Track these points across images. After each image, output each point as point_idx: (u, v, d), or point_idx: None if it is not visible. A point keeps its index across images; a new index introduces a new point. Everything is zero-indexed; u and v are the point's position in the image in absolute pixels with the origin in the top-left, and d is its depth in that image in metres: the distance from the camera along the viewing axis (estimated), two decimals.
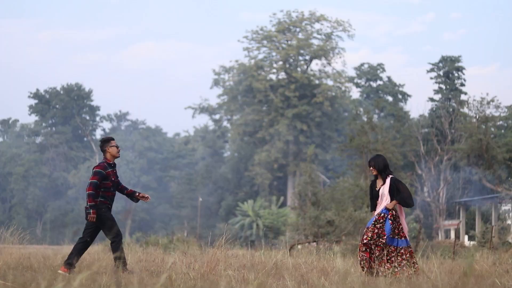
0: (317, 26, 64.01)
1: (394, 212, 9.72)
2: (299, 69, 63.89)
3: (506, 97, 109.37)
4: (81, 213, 67.68)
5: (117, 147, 10.11)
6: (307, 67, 64.46)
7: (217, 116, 72.84)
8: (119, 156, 10.19)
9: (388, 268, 9.48)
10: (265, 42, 63.64)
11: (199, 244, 18.20)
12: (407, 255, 9.59)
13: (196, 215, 60.71)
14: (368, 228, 9.74)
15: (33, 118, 75.81)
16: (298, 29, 63.98)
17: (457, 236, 32.00)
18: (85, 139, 72.89)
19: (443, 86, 54.56)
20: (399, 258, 9.60)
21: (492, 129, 40.90)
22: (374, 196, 9.94)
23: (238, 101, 65.26)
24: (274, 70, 63.47)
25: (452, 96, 53.27)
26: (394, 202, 9.70)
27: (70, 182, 69.20)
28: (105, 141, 10.14)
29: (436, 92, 54.60)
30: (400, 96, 65.32)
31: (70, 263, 9.59)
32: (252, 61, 63.28)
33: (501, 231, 29.59)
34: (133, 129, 77.68)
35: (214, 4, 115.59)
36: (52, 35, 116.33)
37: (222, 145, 73.14)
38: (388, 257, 9.57)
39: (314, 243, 22.46)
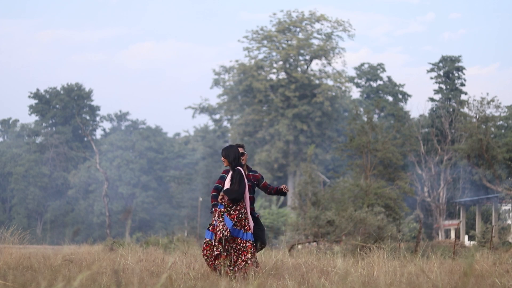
0: (317, 26, 64.06)
1: (229, 203, 9.62)
2: (299, 69, 63.89)
3: (506, 97, 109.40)
4: (81, 212, 67.74)
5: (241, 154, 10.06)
6: (307, 67, 64.46)
7: (217, 116, 72.89)
8: (243, 163, 10.08)
9: (239, 264, 9.41)
10: (265, 42, 63.64)
11: (199, 244, 18.21)
12: (253, 250, 9.55)
13: (196, 215, 60.70)
14: (213, 225, 9.63)
15: (33, 118, 75.85)
16: (298, 29, 63.97)
17: (457, 236, 32.01)
18: (85, 139, 72.85)
19: (443, 86, 54.58)
20: (245, 252, 9.53)
21: (492, 129, 40.90)
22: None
23: (238, 101, 65.24)
24: (274, 70, 63.47)
25: (452, 96, 53.29)
26: (221, 194, 9.67)
27: (70, 182, 69.18)
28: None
29: (436, 92, 54.63)
30: (400, 96, 65.31)
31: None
32: (252, 61, 63.28)
33: (501, 231, 29.62)
34: (133, 129, 77.65)
35: (214, 4, 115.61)
36: (52, 35, 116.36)
37: (222, 145, 73.12)
38: (239, 252, 9.49)
39: (314, 243, 22.45)
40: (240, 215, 9.57)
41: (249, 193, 10.13)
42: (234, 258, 9.41)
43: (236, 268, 9.36)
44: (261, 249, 10.08)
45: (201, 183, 66.94)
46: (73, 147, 72.29)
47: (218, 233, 9.42)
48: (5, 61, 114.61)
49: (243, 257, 9.42)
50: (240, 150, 10.23)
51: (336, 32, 63.91)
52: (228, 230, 9.42)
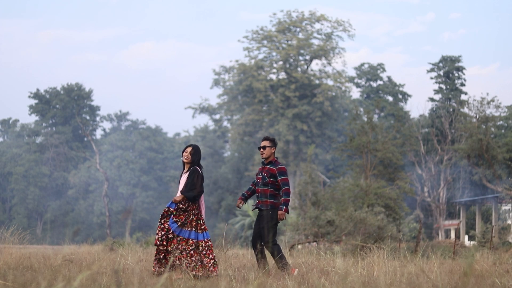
0: (317, 26, 64.05)
1: (181, 205, 9.56)
2: (299, 69, 63.89)
3: (506, 97, 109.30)
4: (81, 212, 67.74)
5: (259, 148, 10.27)
6: (307, 67, 64.47)
7: (217, 116, 72.89)
8: (262, 158, 10.28)
9: (189, 263, 9.37)
10: (265, 42, 63.63)
11: None
12: (210, 250, 9.52)
13: None
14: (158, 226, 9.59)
15: (33, 118, 75.85)
16: (298, 29, 63.96)
17: (457, 236, 32.02)
18: (85, 139, 72.85)
19: (443, 86, 54.59)
20: (205, 251, 9.49)
21: (492, 129, 40.89)
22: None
23: (238, 101, 65.25)
24: (274, 70, 63.47)
25: (452, 96, 53.30)
26: (181, 196, 9.61)
27: (70, 182, 69.18)
28: None
29: (436, 92, 54.64)
30: (400, 96, 65.33)
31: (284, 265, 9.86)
32: (252, 61, 63.28)
33: (501, 231, 29.63)
34: (133, 129, 77.66)
35: (214, 4, 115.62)
36: (52, 35, 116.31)
37: (222, 145, 73.14)
38: (187, 252, 9.43)
39: (314, 243, 22.46)
40: (191, 217, 9.53)
41: (259, 186, 10.15)
42: (189, 259, 9.36)
43: (203, 268, 9.33)
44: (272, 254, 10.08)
45: None
46: (73, 147, 72.29)
47: (157, 237, 9.41)
48: (5, 61, 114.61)
49: (210, 256, 9.42)
50: (263, 143, 10.22)
51: (336, 32, 63.94)
52: (171, 231, 9.39)
